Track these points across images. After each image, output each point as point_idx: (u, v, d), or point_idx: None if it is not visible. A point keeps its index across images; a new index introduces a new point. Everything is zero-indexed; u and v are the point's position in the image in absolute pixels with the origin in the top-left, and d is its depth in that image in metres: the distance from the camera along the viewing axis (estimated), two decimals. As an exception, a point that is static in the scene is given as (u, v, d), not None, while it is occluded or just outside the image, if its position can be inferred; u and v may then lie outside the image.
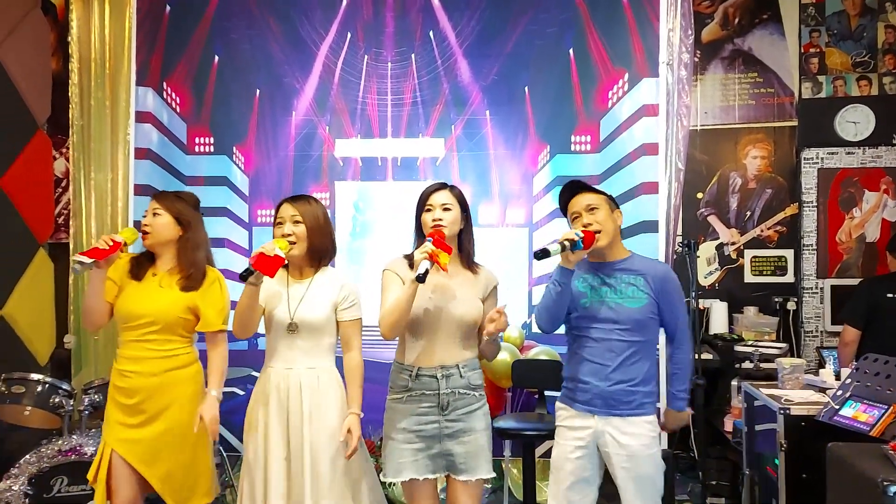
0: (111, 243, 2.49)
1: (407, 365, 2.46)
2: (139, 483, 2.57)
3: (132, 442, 2.56)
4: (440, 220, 2.44)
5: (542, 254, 2.30)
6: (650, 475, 2.40)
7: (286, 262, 2.46)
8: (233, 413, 3.87)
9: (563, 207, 2.56)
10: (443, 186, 2.53)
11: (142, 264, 2.67)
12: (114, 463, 2.56)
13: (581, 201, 2.48)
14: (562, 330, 2.58)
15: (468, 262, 2.55)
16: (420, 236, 2.51)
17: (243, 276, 2.31)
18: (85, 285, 4.26)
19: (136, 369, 2.58)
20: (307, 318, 2.51)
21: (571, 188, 2.54)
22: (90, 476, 2.58)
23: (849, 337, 3.61)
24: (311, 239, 2.54)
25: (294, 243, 2.49)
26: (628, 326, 2.41)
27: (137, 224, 2.83)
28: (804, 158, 4.63)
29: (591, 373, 2.42)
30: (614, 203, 2.54)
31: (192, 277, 2.62)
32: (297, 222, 2.53)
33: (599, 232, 2.42)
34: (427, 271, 2.26)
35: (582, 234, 2.34)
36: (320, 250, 2.59)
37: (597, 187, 2.57)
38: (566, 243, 2.31)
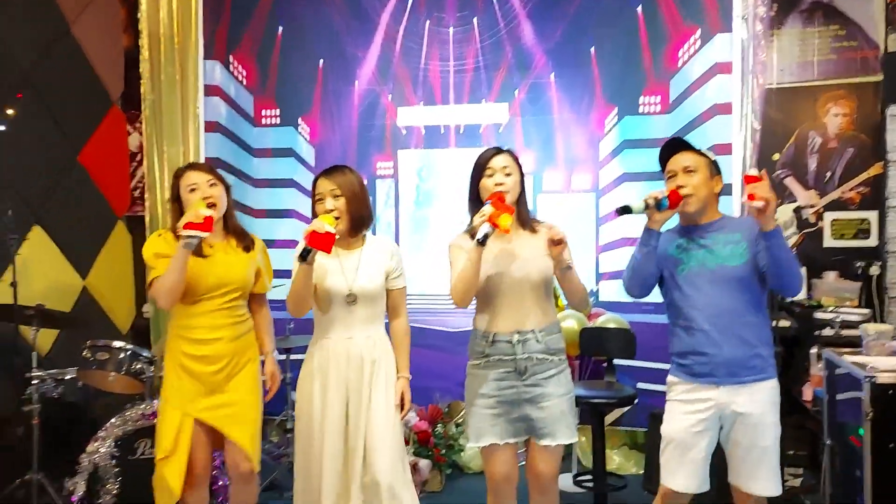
0: (204, 218, 2.44)
1: (483, 331, 2.46)
2: (213, 447, 2.68)
3: (218, 407, 2.62)
4: (502, 184, 2.40)
5: (624, 210, 2.23)
6: (775, 444, 2.32)
7: (337, 236, 2.45)
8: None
9: (663, 164, 2.44)
10: (500, 150, 2.49)
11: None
12: (196, 432, 2.62)
13: (680, 161, 2.36)
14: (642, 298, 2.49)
15: (526, 223, 2.50)
16: (476, 203, 2.47)
17: (303, 257, 2.32)
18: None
19: (219, 336, 2.62)
20: (366, 288, 2.52)
21: (673, 145, 2.42)
22: (165, 450, 2.59)
23: None
24: (351, 210, 2.53)
25: (339, 218, 2.47)
26: (733, 287, 2.30)
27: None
28: (890, 115, 4.36)
29: (705, 342, 2.30)
30: (716, 168, 2.40)
31: (247, 238, 2.71)
32: (336, 196, 2.50)
33: (691, 196, 2.31)
34: (487, 235, 2.25)
35: (668, 193, 2.26)
36: (360, 219, 2.57)
37: (702, 149, 2.42)
38: (651, 201, 2.23)
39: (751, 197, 2.11)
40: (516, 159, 2.50)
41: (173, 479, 2.59)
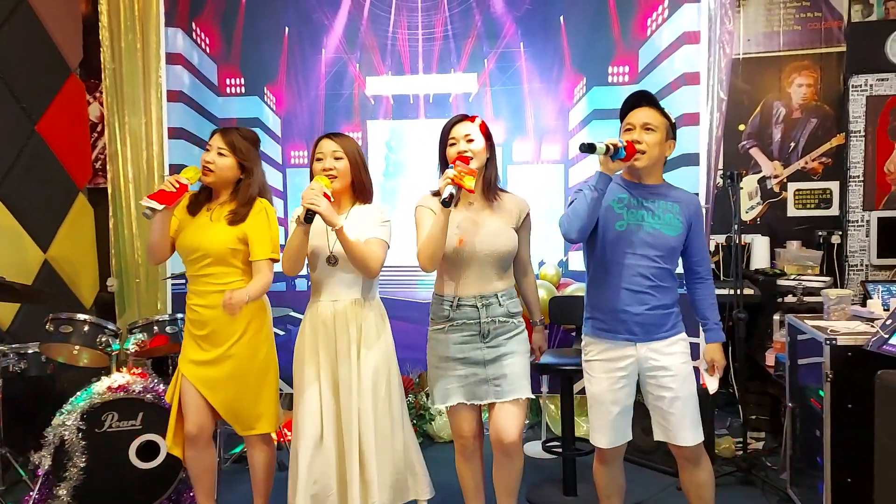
0: (177, 186, 2.51)
1: (447, 296, 2.51)
2: (208, 409, 2.67)
3: (200, 369, 2.64)
4: (465, 151, 2.43)
5: (589, 148, 2.21)
6: (693, 392, 2.41)
7: (332, 199, 2.45)
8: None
9: (623, 114, 2.45)
10: (464, 118, 2.53)
11: (199, 201, 2.72)
12: (184, 389, 2.67)
13: (640, 116, 2.37)
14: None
15: (489, 191, 2.53)
16: (445, 170, 2.47)
17: (308, 219, 2.36)
18: (125, 230, 4.36)
19: (202, 303, 2.64)
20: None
21: (639, 98, 2.43)
22: (168, 398, 2.77)
23: None
24: (354, 174, 2.57)
25: (335, 178, 2.51)
26: (662, 253, 2.36)
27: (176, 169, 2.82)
28: (852, 86, 4.43)
29: (629, 300, 2.36)
30: (673, 132, 2.43)
31: (237, 213, 2.64)
32: (338, 158, 2.54)
33: (644, 153, 2.34)
34: (452, 195, 2.27)
35: (626, 144, 2.27)
36: (362, 185, 2.61)
37: (665, 109, 2.44)
38: (611, 147, 2.23)
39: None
40: (483, 126, 2.52)
41: (169, 431, 2.72)
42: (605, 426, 2.44)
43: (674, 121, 2.46)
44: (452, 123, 2.51)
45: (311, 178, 2.54)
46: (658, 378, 2.39)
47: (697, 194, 3.71)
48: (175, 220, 2.68)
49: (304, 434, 2.53)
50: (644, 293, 2.36)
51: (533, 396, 2.55)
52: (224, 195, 2.70)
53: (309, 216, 2.35)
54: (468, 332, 2.48)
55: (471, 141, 2.46)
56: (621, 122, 2.45)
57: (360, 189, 2.62)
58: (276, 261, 2.64)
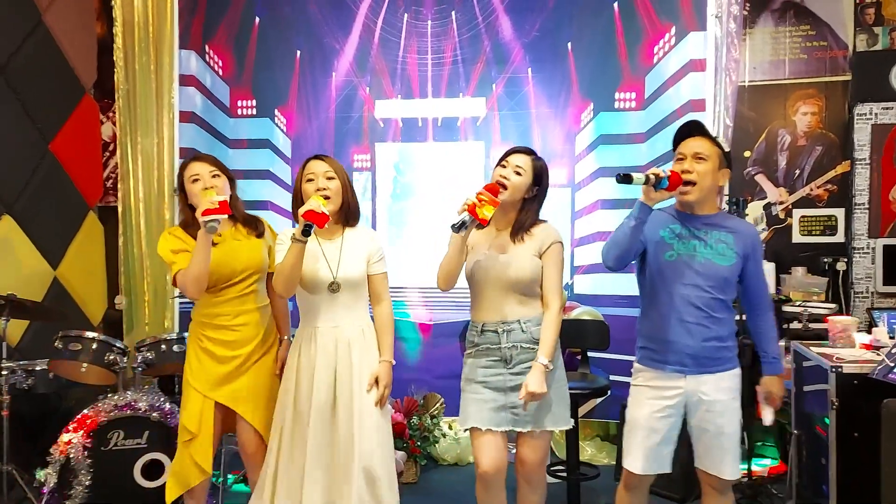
0: (219, 203, 2.44)
1: (475, 321, 2.54)
2: (221, 432, 2.73)
3: (238, 390, 2.65)
4: (506, 177, 2.42)
5: (625, 178, 2.19)
6: (737, 428, 2.38)
7: (329, 218, 2.44)
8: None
9: (676, 143, 2.42)
10: (526, 151, 2.52)
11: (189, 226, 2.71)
12: (216, 418, 2.67)
13: (692, 145, 2.34)
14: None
15: (517, 230, 2.50)
16: None
17: (306, 232, 2.34)
18: (134, 248, 4.39)
19: (245, 321, 2.67)
20: (349, 276, 2.53)
21: (691, 128, 2.41)
22: (190, 433, 2.62)
23: None
24: (345, 195, 2.57)
25: (328, 198, 2.48)
26: (714, 283, 2.32)
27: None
28: (857, 114, 4.46)
29: (680, 331, 2.33)
30: (727, 161, 2.40)
31: (260, 225, 2.74)
32: (329, 178, 2.53)
33: (694, 184, 2.31)
34: (464, 223, 2.28)
35: (669, 174, 2.24)
36: (351, 208, 2.61)
37: (717, 138, 2.42)
38: (652, 177, 2.20)
39: None
40: (538, 166, 2.50)
41: (203, 458, 2.64)
42: (638, 451, 2.39)
43: (727, 150, 2.43)
44: (514, 151, 2.51)
45: (294, 199, 2.56)
46: (705, 412, 2.35)
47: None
48: (185, 254, 2.62)
49: (272, 454, 2.54)
50: (696, 324, 2.32)
51: (554, 428, 2.50)
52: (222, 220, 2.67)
53: (307, 230, 2.33)
54: (492, 357, 2.48)
55: (518, 174, 2.44)
56: (674, 151, 2.43)
57: (350, 211, 2.61)
58: None
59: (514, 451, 2.57)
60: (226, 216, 2.46)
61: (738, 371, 2.41)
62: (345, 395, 2.51)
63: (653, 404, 2.38)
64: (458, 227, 2.29)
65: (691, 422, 2.39)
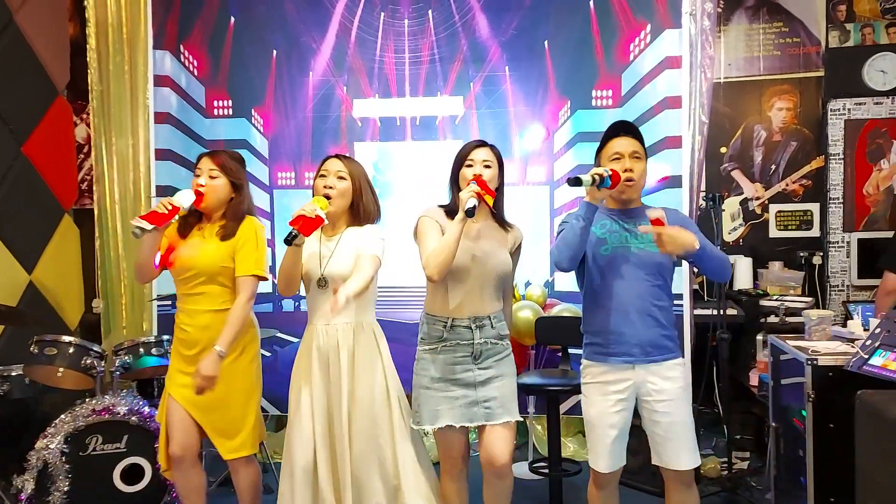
0: (170, 208, 2.54)
1: (441, 316, 2.52)
2: (194, 429, 2.67)
3: (189, 390, 2.61)
4: (480, 175, 2.48)
5: (576, 181, 2.25)
6: (690, 416, 2.42)
7: (325, 221, 2.43)
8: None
9: (604, 143, 2.48)
10: (483, 144, 2.59)
11: (189, 224, 2.73)
12: (171, 409, 2.67)
13: (627, 145, 2.41)
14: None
15: (500, 220, 2.62)
16: (455, 190, 2.55)
17: (287, 241, 2.34)
18: (111, 251, 4.35)
19: (192, 322, 2.65)
20: (335, 272, 2.53)
21: (623, 128, 2.47)
22: (159, 417, 2.75)
23: (891, 285, 3.48)
24: (355, 196, 2.59)
25: (330, 198, 2.51)
26: (651, 271, 2.39)
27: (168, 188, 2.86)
28: (831, 110, 4.53)
29: (624, 322, 2.37)
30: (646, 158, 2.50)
31: (227, 227, 2.68)
32: (341, 178, 2.57)
33: (634, 182, 2.39)
34: (475, 207, 2.32)
35: (611, 172, 2.30)
36: (362, 209, 2.63)
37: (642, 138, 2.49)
38: (596, 178, 2.26)
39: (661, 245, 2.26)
40: (498, 156, 2.59)
41: (160, 453, 2.72)
42: (603, 450, 2.42)
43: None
44: (473, 147, 2.56)
45: (313, 196, 2.56)
46: (655, 402, 2.38)
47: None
48: (165, 242, 2.70)
49: (296, 461, 2.52)
50: (638, 314, 2.38)
51: (521, 419, 2.57)
52: (216, 217, 2.73)
53: (288, 238, 2.33)
54: (461, 353, 2.49)
55: (488, 167, 2.51)
56: (599, 151, 2.50)
57: (358, 212, 2.63)
58: (262, 279, 2.66)
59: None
60: (154, 227, 2.50)
61: (682, 360, 2.46)
62: (336, 399, 2.51)
63: (605, 400, 2.41)
64: (472, 211, 2.31)
65: (643, 415, 2.43)
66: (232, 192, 2.71)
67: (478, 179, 2.42)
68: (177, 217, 2.62)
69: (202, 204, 2.67)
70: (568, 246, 2.32)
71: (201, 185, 2.65)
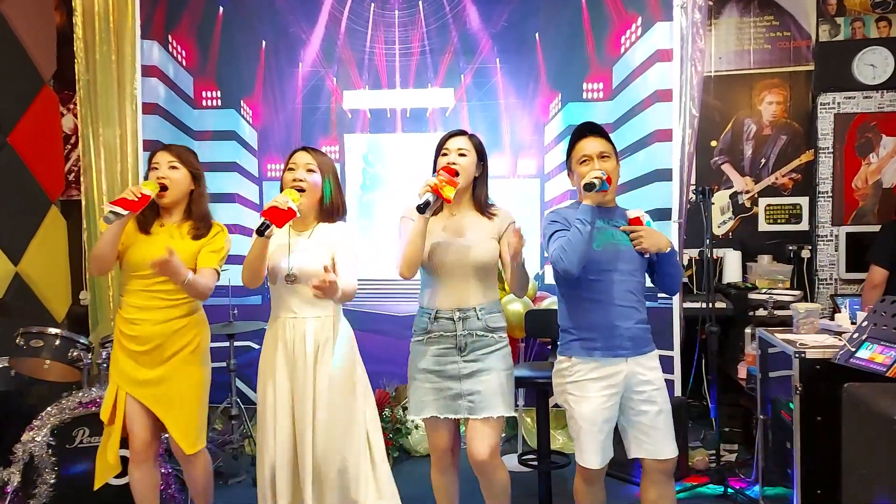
0: (140, 196, 2.49)
1: (427, 308, 2.53)
2: (154, 425, 2.65)
3: (147, 386, 2.60)
4: (454, 164, 2.46)
5: (590, 187, 2.30)
6: (669, 407, 2.44)
7: (297, 214, 2.41)
8: (247, 366, 3.92)
9: (571, 148, 2.50)
10: (461, 133, 2.58)
11: (147, 217, 2.67)
12: (129, 407, 2.63)
13: (595, 146, 2.43)
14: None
15: (482, 209, 2.57)
16: None
17: (260, 231, 2.31)
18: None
19: (144, 317, 2.61)
20: (305, 269, 2.49)
21: (587, 129, 2.49)
22: (104, 416, 2.66)
23: (877, 278, 3.52)
24: (325, 190, 2.55)
25: (303, 191, 2.46)
26: (636, 267, 2.43)
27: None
28: (820, 103, 4.54)
29: (618, 315, 2.38)
30: (617, 156, 2.52)
31: (203, 227, 2.66)
32: (310, 170, 2.52)
33: (610, 181, 2.42)
34: (429, 203, 2.32)
35: (607, 176, 2.36)
36: (332, 204, 2.59)
37: (609, 135, 2.52)
38: (597, 182, 2.31)
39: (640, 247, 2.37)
40: (477, 144, 2.57)
41: (111, 451, 2.67)
42: (596, 446, 2.40)
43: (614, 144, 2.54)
44: (449, 136, 2.56)
45: (282, 189, 2.52)
46: (644, 392, 2.40)
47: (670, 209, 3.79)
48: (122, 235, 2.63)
49: (266, 454, 2.52)
50: (629, 307, 2.41)
51: (508, 415, 2.51)
52: (177, 211, 2.69)
53: (262, 229, 2.30)
54: (445, 344, 2.48)
55: (462, 155, 2.49)
56: (569, 155, 2.51)
57: (328, 207, 2.58)
58: (218, 276, 2.67)
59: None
60: (129, 213, 2.46)
61: (657, 352, 2.51)
62: (300, 392, 2.49)
63: (600, 395, 2.39)
64: (424, 207, 2.31)
65: (627, 408, 2.42)
66: (192, 182, 2.69)
67: (445, 169, 2.42)
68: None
69: (166, 199, 2.62)
70: (576, 251, 2.32)
71: (163, 177, 2.61)
